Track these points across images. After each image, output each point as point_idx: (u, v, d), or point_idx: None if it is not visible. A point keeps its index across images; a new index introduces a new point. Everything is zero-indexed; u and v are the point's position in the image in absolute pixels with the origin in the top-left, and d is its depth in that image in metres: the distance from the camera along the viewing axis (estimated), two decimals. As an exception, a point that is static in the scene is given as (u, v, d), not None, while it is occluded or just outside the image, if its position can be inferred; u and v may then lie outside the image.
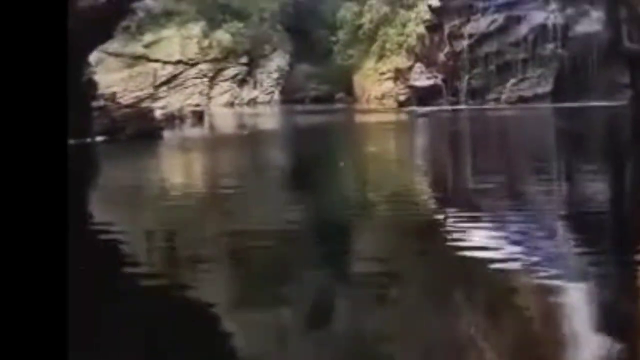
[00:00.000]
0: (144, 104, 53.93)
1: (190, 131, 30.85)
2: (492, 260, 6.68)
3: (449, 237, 8.03)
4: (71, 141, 19.49)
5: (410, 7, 51.55)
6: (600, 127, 27.22)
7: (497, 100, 39.08)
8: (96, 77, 27.21)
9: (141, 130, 23.21)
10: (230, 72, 60.65)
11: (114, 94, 27.24)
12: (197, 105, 55.97)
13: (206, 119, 37.20)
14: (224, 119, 44.11)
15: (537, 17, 38.06)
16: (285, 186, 14.01)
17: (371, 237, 8.58)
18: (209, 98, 59.50)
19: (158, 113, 32.86)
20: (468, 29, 39.81)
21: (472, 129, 29.67)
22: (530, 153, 17.97)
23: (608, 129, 26.46)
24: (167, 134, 27.65)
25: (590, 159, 15.77)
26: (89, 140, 21.45)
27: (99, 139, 22.15)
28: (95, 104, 23.93)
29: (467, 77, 39.93)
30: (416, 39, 45.41)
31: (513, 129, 28.13)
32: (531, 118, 32.77)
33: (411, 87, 42.61)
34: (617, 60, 36.50)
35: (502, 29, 38.84)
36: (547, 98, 37.62)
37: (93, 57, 57.49)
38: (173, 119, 32.77)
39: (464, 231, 8.11)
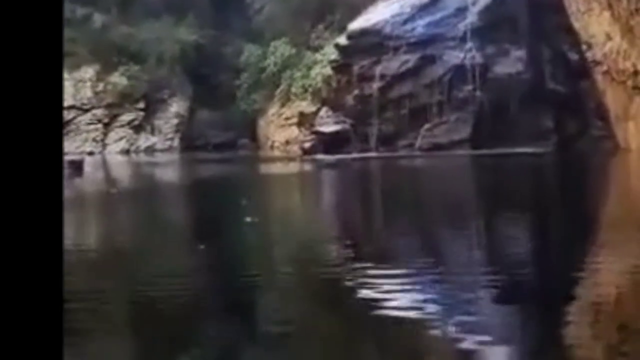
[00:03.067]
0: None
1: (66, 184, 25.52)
2: (404, 319, 6.31)
3: (357, 294, 7.51)
4: None
5: (316, 49, 47.95)
6: (522, 176, 24.15)
7: (410, 146, 34.64)
8: None
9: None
10: (126, 117, 56.37)
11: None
12: (91, 152, 51.56)
13: (88, 169, 31.72)
14: (115, 169, 39.17)
15: (454, 57, 33.88)
16: (179, 243, 12.15)
17: (275, 295, 7.91)
18: (104, 145, 54.77)
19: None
20: (379, 69, 35.30)
21: (383, 180, 26.21)
22: (444, 204, 16.51)
23: (530, 178, 23.56)
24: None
25: (510, 210, 14.31)
26: None
27: None
28: None
29: (377, 122, 35.37)
30: (322, 82, 41.08)
31: (426, 179, 25.15)
32: (447, 166, 29.76)
33: (317, 133, 38.05)
34: (541, 103, 32.79)
35: (416, 70, 34.54)
36: (464, 144, 33.47)
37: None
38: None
39: (374, 288, 7.54)
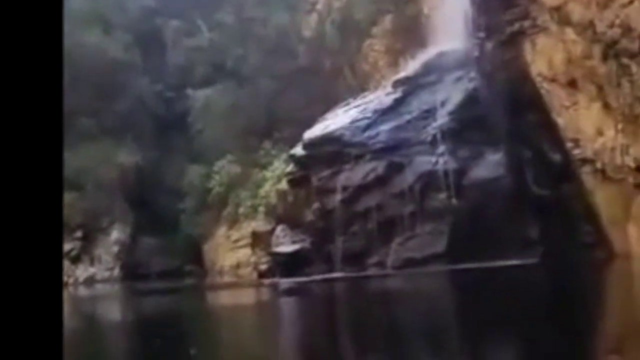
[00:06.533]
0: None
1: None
2: None
3: None
4: None
5: (264, 166, 43.96)
6: (507, 291, 20.33)
7: (380, 265, 30.10)
8: None
9: None
10: (63, 248, 50.96)
11: None
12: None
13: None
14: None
15: (424, 162, 30.00)
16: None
17: None
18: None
19: None
20: (340, 180, 31.29)
21: (350, 308, 21.85)
22: (425, 328, 14.13)
23: (517, 296, 19.16)
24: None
25: (496, 330, 12.47)
26: None
27: None
28: None
29: (341, 238, 30.99)
30: (276, 198, 36.89)
31: (401, 301, 21.37)
32: (423, 287, 26.10)
33: (273, 254, 33.80)
34: (524, 210, 28.69)
35: (383, 179, 30.42)
36: (441, 259, 28.93)
37: None
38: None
39: None
